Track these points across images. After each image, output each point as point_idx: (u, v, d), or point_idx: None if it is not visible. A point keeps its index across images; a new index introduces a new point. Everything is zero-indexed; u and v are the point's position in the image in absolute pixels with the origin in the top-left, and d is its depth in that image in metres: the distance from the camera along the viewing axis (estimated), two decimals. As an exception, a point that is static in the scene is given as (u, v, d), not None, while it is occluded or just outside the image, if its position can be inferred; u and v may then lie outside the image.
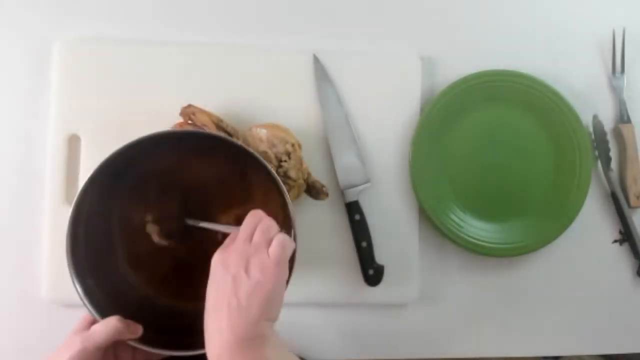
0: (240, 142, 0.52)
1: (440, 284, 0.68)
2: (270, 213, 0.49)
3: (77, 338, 0.46)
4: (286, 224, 0.53)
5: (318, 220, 0.65)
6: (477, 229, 0.67)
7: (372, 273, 0.64)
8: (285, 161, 0.59)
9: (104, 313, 0.49)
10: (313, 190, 0.62)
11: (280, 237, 0.46)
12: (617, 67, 0.70)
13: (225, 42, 0.66)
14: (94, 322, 0.48)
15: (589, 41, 0.71)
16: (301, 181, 0.60)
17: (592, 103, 0.70)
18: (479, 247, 0.66)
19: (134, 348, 0.49)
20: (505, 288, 0.69)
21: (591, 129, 0.70)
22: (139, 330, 0.48)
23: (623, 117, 0.70)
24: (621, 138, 0.70)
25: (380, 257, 0.64)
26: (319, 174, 0.64)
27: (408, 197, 0.67)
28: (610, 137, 0.70)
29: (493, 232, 0.67)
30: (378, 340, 0.67)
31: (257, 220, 0.47)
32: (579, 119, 0.66)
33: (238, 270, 0.44)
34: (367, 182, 0.65)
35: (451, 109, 0.66)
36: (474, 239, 0.66)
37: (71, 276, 0.49)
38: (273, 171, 0.51)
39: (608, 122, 0.71)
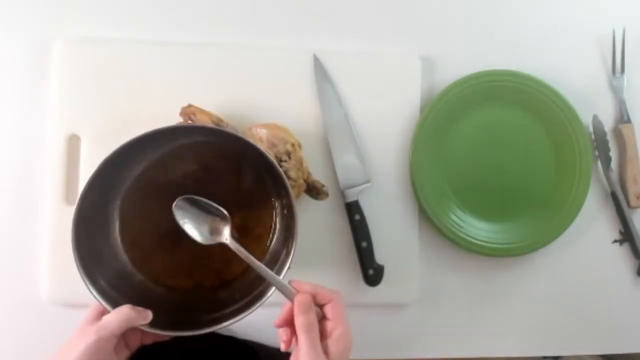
0: (240, 134, 0.52)
1: (440, 284, 0.68)
2: (269, 205, 0.49)
3: (91, 329, 0.46)
4: (290, 216, 0.53)
5: (318, 220, 0.65)
6: (477, 229, 0.67)
7: (372, 273, 0.64)
8: (285, 161, 0.59)
9: (113, 303, 0.49)
10: (313, 190, 0.62)
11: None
12: (617, 67, 0.71)
13: (225, 42, 0.66)
14: (104, 311, 0.49)
15: (589, 41, 0.71)
16: (301, 181, 0.60)
17: (592, 103, 0.70)
18: (479, 247, 0.66)
19: (142, 331, 0.50)
20: (505, 288, 0.69)
21: (591, 129, 0.70)
22: (149, 315, 0.49)
23: (623, 117, 0.70)
24: (621, 138, 0.70)
25: (380, 257, 0.64)
26: (319, 174, 0.64)
27: (408, 197, 0.67)
28: (610, 137, 0.70)
29: (493, 232, 0.67)
30: (378, 340, 0.67)
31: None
32: (579, 119, 0.66)
33: None
34: (367, 182, 0.65)
35: (451, 109, 0.66)
36: (474, 239, 0.66)
37: (83, 279, 0.50)
38: (275, 163, 0.51)
39: (608, 122, 0.71)
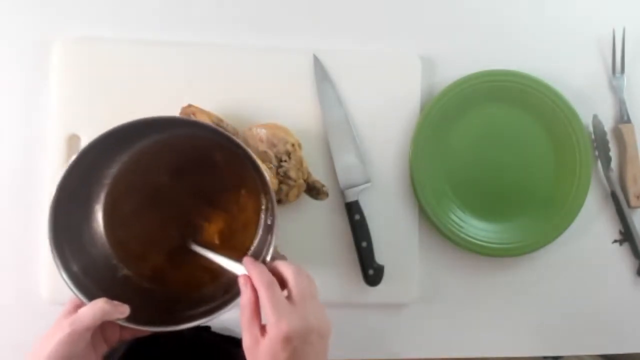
0: (215, 126, 0.51)
1: (440, 284, 0.68)
2: (252, 197, 0.51)
3: (65, 322, 0.46)
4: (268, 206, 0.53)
5: (318, 220, 0.65)
6: (477, 229, 0.67)
7: (372, 273, 0.64)
8: (285, 161, 0.59)
9: (89, 296, 0.49)
10: (313, 190, 0.62)
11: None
12: (617, 67, 0.70)
13: (225, 42, 0.66)
14: (80, 305, 0.48)
15: (589, 41, 0.71)
16: (301, 181, 0.60)
17: (592, 103, 0.70)
18: (479, 247, 0.66)
19: (121, 326, 0.50)
20: (505, 288, 0.69)
21: (591, 129, 0.70)
22: (126, 310, 0.48)
23: (623, 117, 0.70)
24: (621, 138, 0.70)
25: (380, 257, 0.64)
26: (319, 174, 0.64)
27: (408, 197, 0.67)
28: (610, 137, 0.70)
29: (493, 232, 0.67)
30: (378, 340, 0.67)
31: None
32: (579, 119, 0.66)
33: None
34: (367, 182, 0.65)
35: (451, 108, 0.66)
36: (474, 239, 0.66)
37: (55, 261, 0.49)
38: (255, 157, 0.50)
39: (608, 122, 0.71)
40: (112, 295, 0.49)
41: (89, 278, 0.52)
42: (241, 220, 0.58)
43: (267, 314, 0.44)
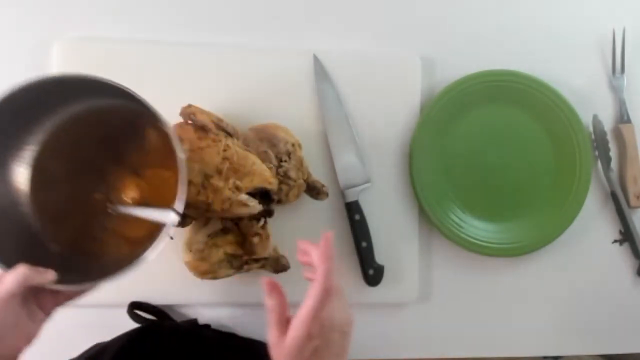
0: (126, 88, 0.50)
1: (440, 284, 0.68)
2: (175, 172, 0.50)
3: None
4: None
5: (318, 220, 0.65)
6: (477, 229, 0.67)
7: (372, 273, 0.64)
8: (285, 161, 0.59)
9: (11, 265, 0.49)
10: (313, 190, 0.62)
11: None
12: (617, 67, 0.71)
13: (225, 42, 0.66)
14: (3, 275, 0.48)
15: (589, 41, 0.71)
16: (301, 181, 0.60)
17: (592, 103, 0.70)
18: (479, 247, 0.66)
19: (56, 292, 0.50)
20: (505, 288, 0.69)
21: (591, 129, 0.70)
22: (50, 275, 0.48)
23: (623, 117, 0.70)
24: (621, 138, 0.70)
25: (380, 257, 0.64)
26: (319, 174, 0.64)
27: (408, 197, 0.67)
28: (610, 137, 0.70)
29: (493, 232, 0.67)
30: (378, 340, 0.67)
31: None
32: (579, 119, 0.66)
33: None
34: (367, 182, 0.65)
35: (451, 109, 0.66)
36: (474, 239, 0.66)
37: None
38: (163, 118, 0.49)
39: (608, 122, 0.71)
40: (37, 263, 0.48)
41: (11, 249, 0.51)
42: (161, 194, 0.57)
43: (299, 311, 0.44)
